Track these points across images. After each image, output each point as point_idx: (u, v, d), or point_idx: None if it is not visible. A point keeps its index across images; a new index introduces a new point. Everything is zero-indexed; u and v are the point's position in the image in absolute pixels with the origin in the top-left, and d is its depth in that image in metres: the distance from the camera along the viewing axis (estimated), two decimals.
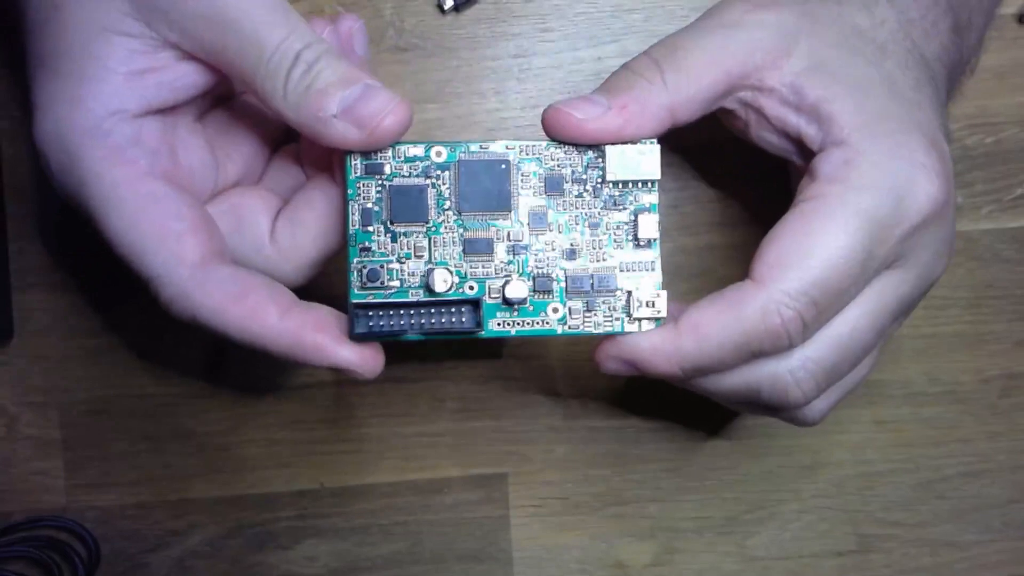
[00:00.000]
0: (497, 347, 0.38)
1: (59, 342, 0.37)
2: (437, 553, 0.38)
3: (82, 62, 0.27)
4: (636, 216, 0.29)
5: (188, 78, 0.28)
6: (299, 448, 0.38)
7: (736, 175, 0.38)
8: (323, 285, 0.31)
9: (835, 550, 0.38)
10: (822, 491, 0.38)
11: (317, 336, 0.28)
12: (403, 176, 0.28)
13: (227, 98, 0.32)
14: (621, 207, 0.29)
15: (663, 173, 0.29)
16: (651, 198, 0.29)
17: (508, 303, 0.28)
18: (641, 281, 0.29)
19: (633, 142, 0.28)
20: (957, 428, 0.38)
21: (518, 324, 0.28)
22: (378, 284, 0.28)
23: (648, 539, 0.38)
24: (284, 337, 0.28)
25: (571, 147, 0.29)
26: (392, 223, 0.28)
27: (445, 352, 0.38)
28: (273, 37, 0.27)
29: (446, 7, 0.37)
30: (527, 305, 0.28)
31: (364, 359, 0.28)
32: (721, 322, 0.28)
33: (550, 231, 0.29)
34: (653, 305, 0.28)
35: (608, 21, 0.37)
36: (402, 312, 0.28)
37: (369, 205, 0.28)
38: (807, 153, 0.29)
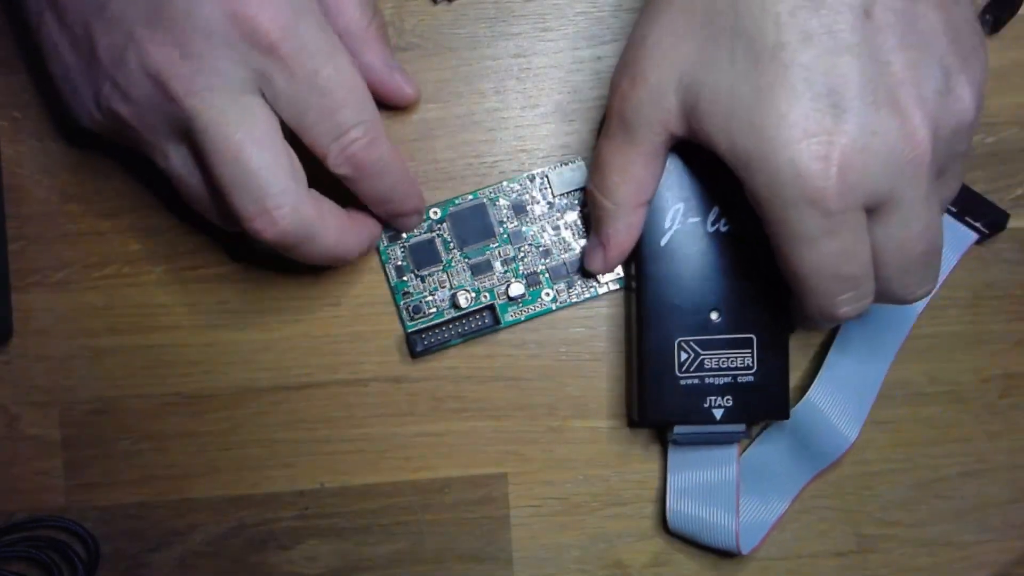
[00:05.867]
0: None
1: (60, 342, 0.37)
2: (437, 553, 0.38)
3: None
4: (583, 213, 0.37)
5: None
6: (299, 448, 0.38)
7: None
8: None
9: (834, 550, 0.38)
10: (821, 491, 0.38)
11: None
12: (415, 235, 0.37)
13: None
14: (572, 209, 0.37)
15: None
16: None
17: (512, 300, 0.37)
18: None
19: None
20: (956, 428, 0.38)
21: (524, 311, 0.38)
22: (421, 315, 0.37)
23: (648, 539, 0.38)
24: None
25: (525, 178, 0.37)
26: (418, 270, 0.37)
27: (445, 352, 0.38)
28: None
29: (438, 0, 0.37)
30: (526, 297, 0.37)
31: None
32: None
33: (527, 241, 0.37)
34: (614, 271, 0.37)
35: (608, 20, 0.37)
36: (443, 328, 0.37)
37: (399, 263, 0.37)
38: None
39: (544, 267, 0.37)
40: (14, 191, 0.37)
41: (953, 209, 0.37)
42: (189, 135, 0.30)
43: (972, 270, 0.38)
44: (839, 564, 0.38)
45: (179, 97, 0.29)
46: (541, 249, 0.37)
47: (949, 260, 0.37)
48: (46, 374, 0.37)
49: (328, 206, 0.33)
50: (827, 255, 0.29)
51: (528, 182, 0.37)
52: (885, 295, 0.31)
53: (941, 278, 0.37)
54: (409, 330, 0.37)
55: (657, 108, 0.30)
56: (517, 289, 0.37)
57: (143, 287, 0.37)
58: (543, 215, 0.37)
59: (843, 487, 0.38)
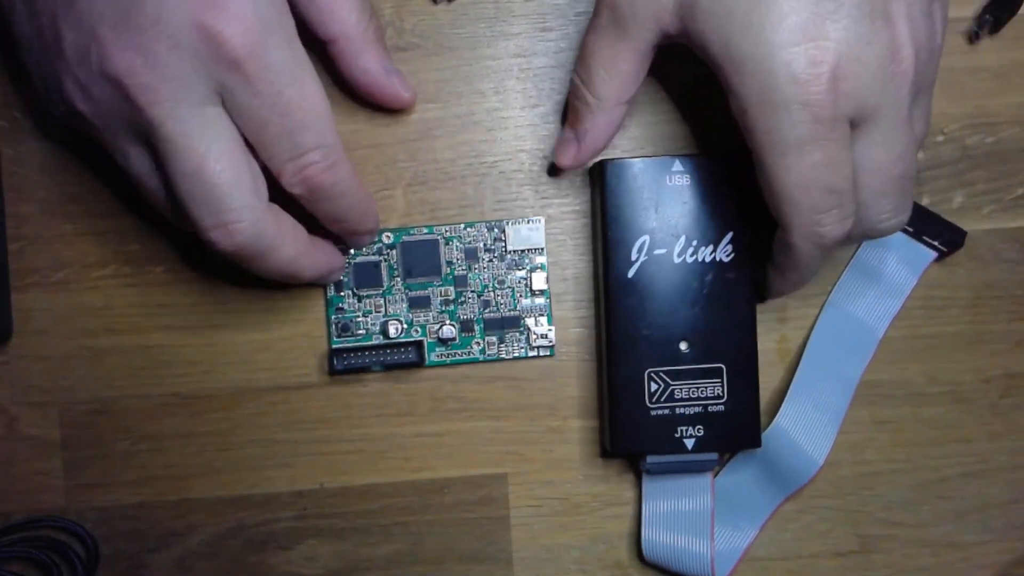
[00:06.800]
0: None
1: (59, 342, 0.37)
2: (437, 553, 0.38)
3: None
4: (531, 274, 0.37)
5: None
6: (299, 448, 0.38)
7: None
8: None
9: (835, 550, 0.38)
10: (822, 491, 0.38)
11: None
12: (363, 255, 0.37)
13: None
14: (520, 268, 0.37)
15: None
16: (541, 259, 0.37)
17: (442, 342, 0.37)
18: (537, 320, 0.37)
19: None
20: (957, 428, 0.38)
21: (451, 355, 0.37)
22: (349, 333, 0.37)
23: None
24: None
25: (482, 226, 0.37)
26: (357, 289, 0.37)
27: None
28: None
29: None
30: (456, 341, 0.37)
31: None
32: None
33: (470, 288, 0.37)
34: (546, 337, 0.37)
35: None
36: (367, 352, 0.37)
37: (340, 278, 0.37)
38: None
39: (481, 317, 0.37)
40: (14, 191, 0.37)
41: (910, 229, 0.37)
42: (150, 142, 0.30)
43: (972, 270, 0.38)
44: (840, 564, 0.38)
45: (142, 105, 0.29)
46: (482, 299, 0.37)
47: (909, 280, 0.37)
48: (45, 374, 0.37)
49: (288, 222, 0.32)
50: (814, 165, 0.29)
51: (486, 231, 0.37)
52: (861, 224, 0.31)
53: (901, 300, 0.37)
54: (334, 346, 0.37)
55: (652, 3, 0.30)
56: (449, 331, 0.37)
57: (142, 287, 0.37)
58: (492, 266, 0.37)
59: (844, 487, 0.38)
